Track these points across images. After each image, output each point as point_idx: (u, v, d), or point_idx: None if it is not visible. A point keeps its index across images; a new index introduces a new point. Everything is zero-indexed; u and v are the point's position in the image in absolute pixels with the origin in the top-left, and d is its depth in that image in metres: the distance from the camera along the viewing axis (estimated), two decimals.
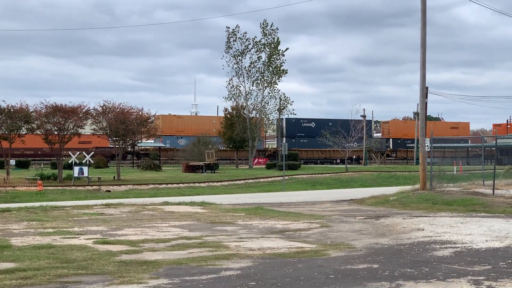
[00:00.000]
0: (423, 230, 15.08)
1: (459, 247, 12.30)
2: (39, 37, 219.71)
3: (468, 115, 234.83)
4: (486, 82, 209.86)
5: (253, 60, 67.73)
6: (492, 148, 36.22)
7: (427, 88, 28.13)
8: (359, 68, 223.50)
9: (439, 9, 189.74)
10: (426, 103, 28.05)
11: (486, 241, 13.09)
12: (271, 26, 67.52)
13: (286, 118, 77.76)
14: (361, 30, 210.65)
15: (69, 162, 44.93)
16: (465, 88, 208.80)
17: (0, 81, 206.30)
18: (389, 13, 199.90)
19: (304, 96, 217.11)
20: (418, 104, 60.64)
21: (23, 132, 43.92)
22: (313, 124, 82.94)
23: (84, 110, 44.13)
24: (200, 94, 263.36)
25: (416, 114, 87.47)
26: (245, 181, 46.88)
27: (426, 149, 26.26)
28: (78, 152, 45.85)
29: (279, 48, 67.92)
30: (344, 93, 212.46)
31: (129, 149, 66.14)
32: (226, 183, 44.98)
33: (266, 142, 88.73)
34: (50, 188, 36.34)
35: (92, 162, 47.25)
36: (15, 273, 9.36)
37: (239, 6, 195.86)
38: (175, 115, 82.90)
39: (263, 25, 67.55)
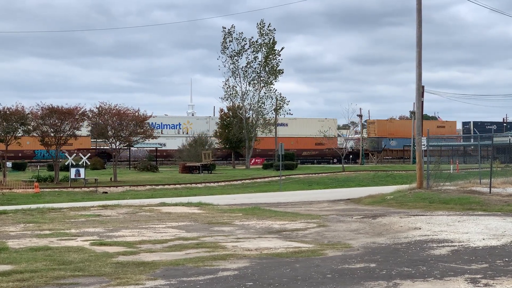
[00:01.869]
0: (420, 229, 15.10)
1: (456, 245, 12.31)
2: (34, 38, 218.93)
3: (465, 113, 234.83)
4: (483, 80, 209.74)
5: (249, 60, 67.74)
6: (489, 148, 36.29)
7: (423, 87, 28.19)
8: (355, 67, 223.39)
9: (436, 8, 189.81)
10: (422, 102, 28.13)
11: (483, 239, 13.11)
12: (268, 27, 67.55)
13: (473, 122, 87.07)
14: (358, 30, 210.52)
15: (66, 163, 44.87)
16: (462, 86, 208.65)
17: None
18: (386, 12, 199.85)
19: (301, 96, 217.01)
20: (414, 103, 60.73)
21: (19, 134, 43.86)
22: (494, 127, 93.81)
23: (80, 112, 44.07)
24: (196, 94, 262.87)
25: (412, 113, 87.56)
26: (242, 181, 46.84)
27: (422, 148, 26.30)
28: (75, 154, 45.78)
29: (275, 48, 67.94)
30: (340, 92, 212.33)
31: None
32: (223, 183, 44.94)
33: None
34: (47, 190, 36.30)
35: (89, 163, 47.16)
36: (12, 275, 9.34)
37: (236, 6, 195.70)
38: (387, 120, 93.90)
39: (260, 25, 67.56)
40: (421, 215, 18.31)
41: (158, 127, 78.58)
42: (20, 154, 66.88)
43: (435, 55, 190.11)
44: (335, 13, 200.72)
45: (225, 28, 67.67)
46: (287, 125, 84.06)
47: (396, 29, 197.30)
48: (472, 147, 56.89)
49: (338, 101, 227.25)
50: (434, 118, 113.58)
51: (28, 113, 42.44)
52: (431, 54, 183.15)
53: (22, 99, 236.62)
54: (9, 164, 49.61)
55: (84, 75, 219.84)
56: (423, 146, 26.27)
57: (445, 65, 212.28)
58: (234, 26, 67.50)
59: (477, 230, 14.55)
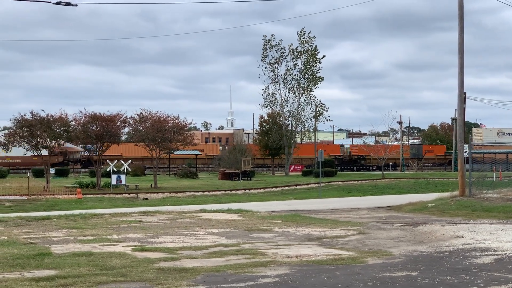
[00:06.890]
0: (462, 237, 14.89)
1: (499, 254, 12.12)
2: (81, 47, 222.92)
3: (510, 120, 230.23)
4: None
5: (288, 67, 67.81)
6: None
7: (465, 93, 27.80)
8: (401, 73, 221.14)
9: (487, 12, 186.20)
10: (464, 108, 27.72)
11: None
12: (308, 34, 67.64)
13: None
14: (406, 35, 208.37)
15: (107, 170, 45.43)
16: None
17: (42, 90, 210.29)
18: (436, 17, 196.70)
19: (345, 102, 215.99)
20: (455, 109, 59.98)
21: (62, 141, 44.55)
22: None
23: (121, 119, 44.61)
24: (239, 101, 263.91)
25: (453, 120, 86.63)
26: (282, 188, 46.83)
27: (464, 155, 25.95)
28: (116, 160, 46.34)
29: (317, 56, 67.90)
30: (385, 99, 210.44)
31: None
32: (262, 190, 44.98)
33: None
34: (89, 196, 36.80)
35: (130, 170, 47.66)
36: (56, 280, 9.50)
37: (285, 12, 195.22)
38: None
39: (300, 33, 67.68)
40: (463, 223, 18.06)
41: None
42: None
43: (484, 60, 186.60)
44: (384, 18, 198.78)
45: (265, 36, 68.08)
46: None
47: (445, 34, 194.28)
48: None
49: (381, 107, 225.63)
50: (476, 125, 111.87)
51: (71, 120, 43.14)
52: (479, 60, 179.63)
53: (68, 107, 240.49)
54: (52, 170, 50.41)
55: (130, 82, 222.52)
56: (465, 153, 25.93)
57: (494, 70, 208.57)
58: (274, 35, 67.90)
59: None
